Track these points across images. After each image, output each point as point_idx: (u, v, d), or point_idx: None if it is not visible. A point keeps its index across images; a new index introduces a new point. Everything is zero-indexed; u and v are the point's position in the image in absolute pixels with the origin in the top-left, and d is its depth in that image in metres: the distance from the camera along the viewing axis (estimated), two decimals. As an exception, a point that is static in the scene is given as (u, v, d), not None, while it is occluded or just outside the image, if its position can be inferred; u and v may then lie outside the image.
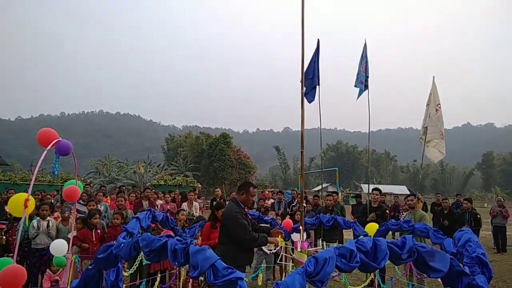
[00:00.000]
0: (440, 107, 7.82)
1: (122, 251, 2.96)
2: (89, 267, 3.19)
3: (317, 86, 6.90)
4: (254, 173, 50.58)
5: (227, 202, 5.22)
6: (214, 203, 10.36)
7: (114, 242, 3.27)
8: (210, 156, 47.20)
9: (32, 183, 3.48)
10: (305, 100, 4.80)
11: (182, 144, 54.78)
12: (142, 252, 3.33)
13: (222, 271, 2.45)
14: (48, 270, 6.04)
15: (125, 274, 4.60)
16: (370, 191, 8.24)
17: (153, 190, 12.10)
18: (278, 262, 6.07)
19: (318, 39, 6.62)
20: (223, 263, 2.52)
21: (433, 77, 8.09)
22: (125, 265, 5.36)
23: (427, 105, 8.02)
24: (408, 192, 38.41)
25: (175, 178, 28.65)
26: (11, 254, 5.33)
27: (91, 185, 21.63)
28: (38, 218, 6.51)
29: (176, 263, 2.70)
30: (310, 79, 6.55)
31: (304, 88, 6.37)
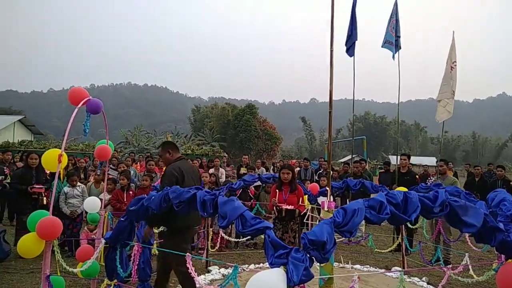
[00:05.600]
0: (455, 65, 7.43)
1: (153, 203, 3.03)
2: (121, 219, 3.29)
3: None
4: (280, 144, 50.51)
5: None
6: (241, 168, 10.53)
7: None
8: (236, 127, 47.40)
9: (65, 138, 3.57)
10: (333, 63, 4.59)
11: (208, 115, 55.03)
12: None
13: (251, 220, 2.47)
14: (85, 228, 6.32)
15: (155, 230, 4.73)
16: (398, 160, 8.07)
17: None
18: (304, 221, 6.10)
19: None
20: None
21: (453, 32, 7.65)
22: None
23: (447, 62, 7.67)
24: (438, 164, 37.44)
25: (202, 148, 29.01)
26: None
27: (122, 154, 22.19)
28: (67, 185, 6.74)
29: (205, 214, 2.75)
30: (350, 36, 6.34)
31: (346, 46, 6.12)
